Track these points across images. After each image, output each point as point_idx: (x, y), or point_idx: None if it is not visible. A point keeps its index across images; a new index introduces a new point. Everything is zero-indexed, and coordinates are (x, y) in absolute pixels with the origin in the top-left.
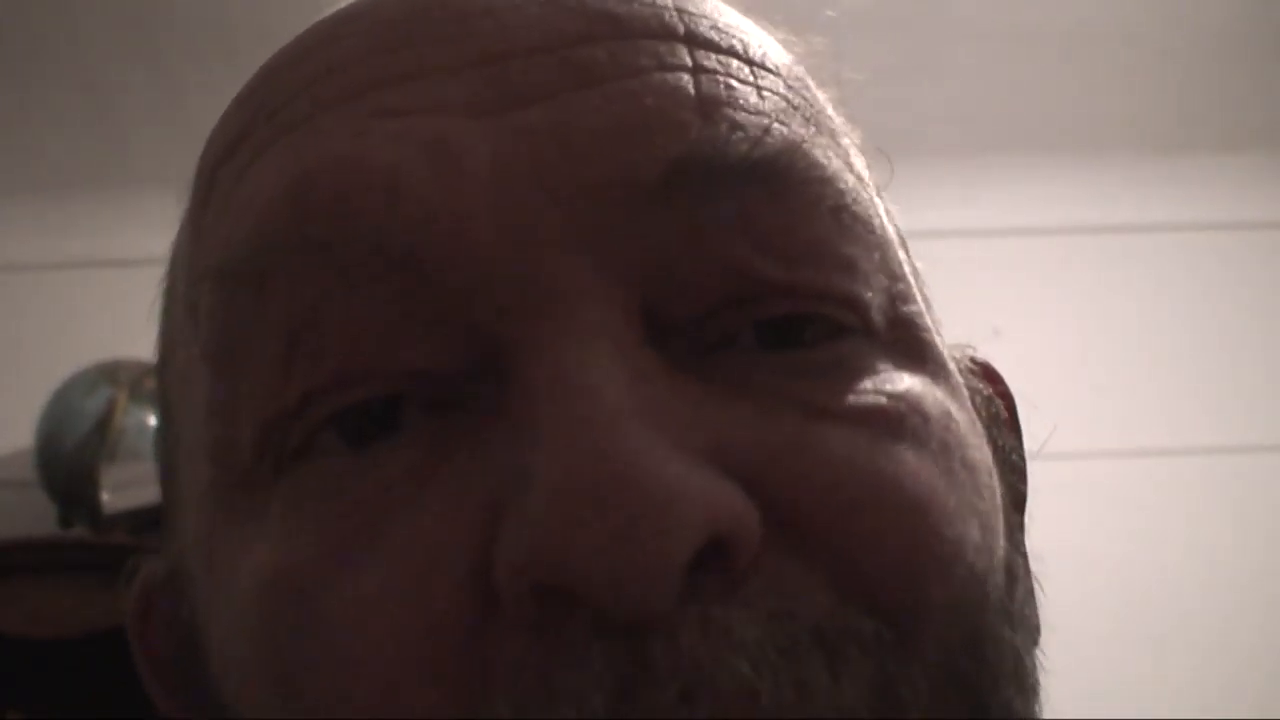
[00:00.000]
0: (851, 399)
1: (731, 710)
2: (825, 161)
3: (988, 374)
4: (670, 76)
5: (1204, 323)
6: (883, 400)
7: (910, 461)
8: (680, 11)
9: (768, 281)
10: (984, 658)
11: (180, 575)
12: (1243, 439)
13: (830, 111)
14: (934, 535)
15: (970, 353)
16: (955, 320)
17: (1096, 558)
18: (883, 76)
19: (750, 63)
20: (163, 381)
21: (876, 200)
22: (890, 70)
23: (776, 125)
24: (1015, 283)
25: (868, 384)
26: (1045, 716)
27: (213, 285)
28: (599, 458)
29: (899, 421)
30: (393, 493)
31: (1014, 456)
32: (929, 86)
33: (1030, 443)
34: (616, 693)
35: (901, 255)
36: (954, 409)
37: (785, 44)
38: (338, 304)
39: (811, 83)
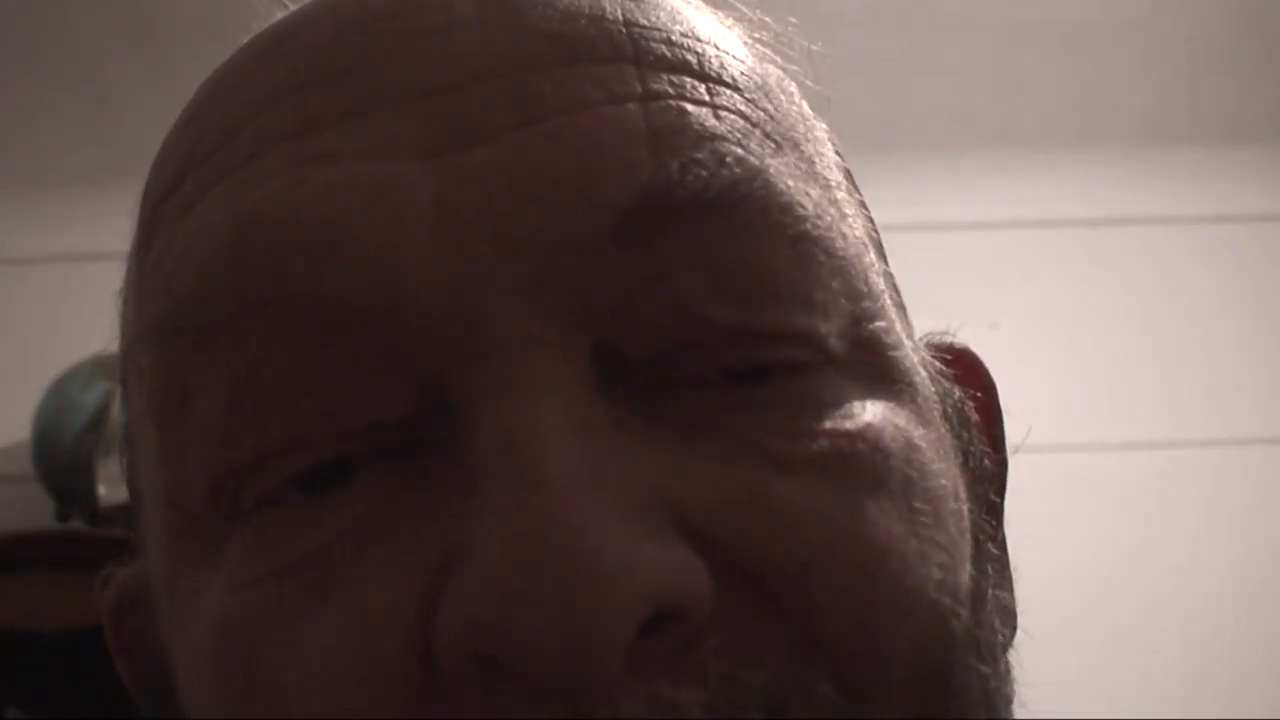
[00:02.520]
0: (809, 444)
1: None
2: (785, 188)
3: (965, 365)
4: (619, 109)
5: (1204, 316)
6: (842, 442)
7: (869, 510)
8: (630, 26)
9: (723, 325)
10: (953, 691)
11: (149, 597)
12: (1244, 432)
13: (796, 110)
14: (893, 585)
15: (947, 341)
16: (953, 313)
17: (1094, 550)
18: (882, 69)
19: (706, 78)
20: (124, 407)
21: (842, 205)
22: (889, 62)
23: (734, 153)
24: (1013, 276)
25: (828, 424)
26: (1039, 718)
27: (153, 343)
28: (541, 531)
29: (858, 463)
30: (343, 545)
31: (986, 461)
32: (927, 79)
33: (1030, 437)
34: None
35: (869, 260)
36: (918, 435)
37: (754, 25)
38: (280, 362)
39: (774, 78)
